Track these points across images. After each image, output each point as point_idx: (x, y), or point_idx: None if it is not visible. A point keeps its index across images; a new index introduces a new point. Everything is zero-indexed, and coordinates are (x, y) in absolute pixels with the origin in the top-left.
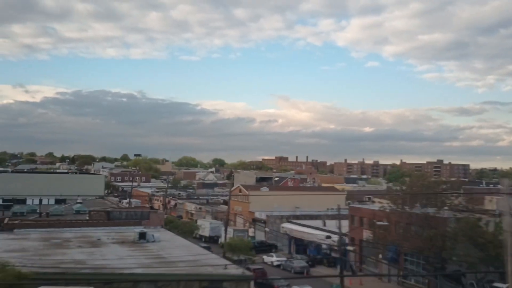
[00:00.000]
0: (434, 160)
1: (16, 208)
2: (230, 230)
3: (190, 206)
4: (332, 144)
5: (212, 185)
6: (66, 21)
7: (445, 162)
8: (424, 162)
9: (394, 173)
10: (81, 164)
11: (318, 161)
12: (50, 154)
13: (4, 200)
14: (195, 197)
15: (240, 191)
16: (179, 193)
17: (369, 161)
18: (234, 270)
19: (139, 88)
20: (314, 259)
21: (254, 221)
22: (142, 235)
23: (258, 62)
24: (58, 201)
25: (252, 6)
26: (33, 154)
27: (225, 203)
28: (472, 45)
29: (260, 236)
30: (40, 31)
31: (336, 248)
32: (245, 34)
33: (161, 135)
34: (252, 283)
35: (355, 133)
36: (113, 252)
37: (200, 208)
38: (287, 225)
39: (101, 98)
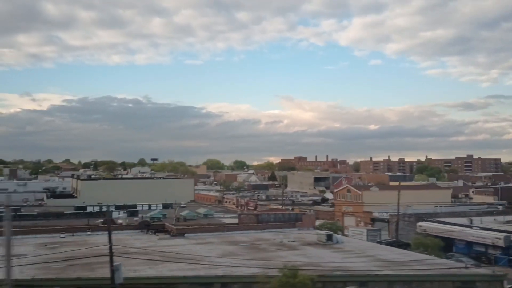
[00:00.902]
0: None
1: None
2: (360, 230)
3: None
4: (337, 143)
5: (262, 187)
6: (71, 29)
7: (475, 157)
8: (453, 157)
9: (428, 169)
10: (108, 169)
11: (338, 159)
12: (67, 161)
13: (118, 207)
14: (273, 198)
15: (348, 191)
16: (258, 195)
17: (377, 158)
18: (484, 270)
19: (144, 93)
20: (477, 258)
21: (374, 220)
22: (329, 237)
23: (262, 64)
24: (165, 206)
25: (254, 8)
26: (50, 162)
27: (315, 203)
28: (475, 39)
29: (383, 236)
30: (45, 40)
31: (498, 245)
32: (248, 37)
33: (167, 139)
34: (505, 282)
35: (361, 131)
36: (317, 254)
37: (292, 209)
38: (426, 224)
39: (107, 104)
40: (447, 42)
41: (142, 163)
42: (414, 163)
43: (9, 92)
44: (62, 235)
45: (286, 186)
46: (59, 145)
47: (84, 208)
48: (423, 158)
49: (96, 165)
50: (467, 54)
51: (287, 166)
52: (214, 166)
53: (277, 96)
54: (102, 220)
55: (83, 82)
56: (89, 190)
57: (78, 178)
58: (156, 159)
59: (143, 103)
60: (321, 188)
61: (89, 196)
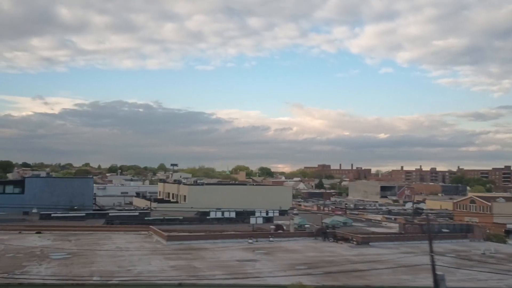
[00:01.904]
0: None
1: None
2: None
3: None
4: (347, 151)
5: (317, 194)
6: (84, 34)
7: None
8: (489, 168)
9: (470, 181)
10: (140, 173)
11: (363, 168)
12: (87, 165)
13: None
14: (360, 207)
15: (472, 201)
16: (346, 204)
17: (389, 167)
18: None
19: (155, 98)
20: None
21: (508, 232)
22: None
23: (272, 71)
24: (281, 213)
25: (267, 15)
26: (70, 165)
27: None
28: (488, 49)
29: None
30: (58, 44)
31: None
32: (259, 43)
33: (176, 144)
34: None
35: (370, 140)
36: None
37: (395, 218)
38: None
39: (118, 109)
40: (459, 51)
41: (162, 168)
42: (447, 173)
43: (22, 95)
44: (250, 240)
45: (347, 194)
46: (69, 149)
47: (207, 213)
48: (430, 167)
49: (122, 169)
50: (479, 64)
51: (321, 174)
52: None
53: (287, 103)
54: (273, 226)
55: (95, 86)
56: (196, 195)
57: (182, 183)
58: (176, 165)
59: (153, 108)
60: (392, 197)
61: (196, 201)
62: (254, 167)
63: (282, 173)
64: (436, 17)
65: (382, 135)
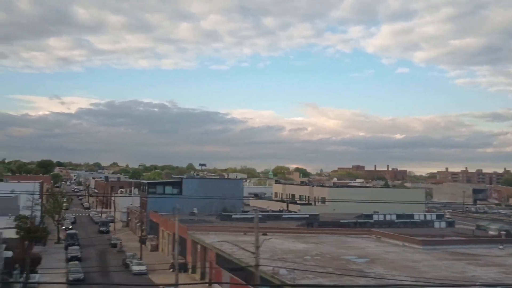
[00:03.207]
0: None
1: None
2: None
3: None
4: (361, 152)
5: None
6: (100, 34)
7: None
8: None
9: None
10: (171, 175)
11: (399, 169)
12: (115, 164)
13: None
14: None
15: None
16: (467, 207)
17: (401, 168)
18: None
19: (170, 98)
20: None
21: None
22: None
23: (287, 71)
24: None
25: (282, 14)
26: (98, 164)
27: None
28: (506, 49)
29: None
30: (75, 44)
31: None
32: (274, 43)
33: (190, 144)
34: None
35: (385, 140)
36: None
37: None
38: None
39: (133, 108)
40: (476, 51)
41: (191, 167)
42: (493, 175)
43: (39, 95)
44: (500, 246)
45: (431, 196)
46: (85, 148)
47: (370, 216)
48: (448, 168)
49: (155, 168)
50: (497, 64)
51: (373, 176)
52: (285, 172)
53: (301, 103)
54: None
55: (110, 86)
56: (337, 197)
57: (316, 185)
58: (204, 164)
59: (168, 107)
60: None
61: (336, 204)
62: (268, 167)
63: (319, 174)
64: (453, 16)
65: (398, 136)
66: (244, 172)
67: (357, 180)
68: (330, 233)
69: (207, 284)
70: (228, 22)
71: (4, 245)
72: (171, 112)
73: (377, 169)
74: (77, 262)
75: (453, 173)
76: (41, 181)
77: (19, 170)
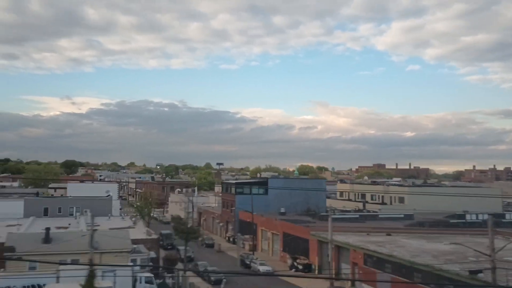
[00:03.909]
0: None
1: None
2: None
3: None
4: (372, 150)
5: None
6: (110, 34)
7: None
8: None
9: None
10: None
11: (421, 167)
12: (132, 164)
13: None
14: None
15: None
16: None
17: (409, 165)
18: None
19: (180, 98)
20: None
21: None
22: None
23: (296, 69)
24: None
25: (291, 13)
26: (116, 164)
27: None
28: None
29: None
30: (86, 45)
31: None
32: (284, 41)
33: (200, 143)
34: None
35: (396, 138)
36: None
37: None
38: None
39: (143, 108)
40: (488, 48)
41: (209, 166)
42: None
43: (50, 95)
44: None
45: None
46: (96, 148)
47: (463, 216)
48: (462, 167)
49: (177, 168)
50: (509, 60)
51: (404, 174)
52: (308, 171)
53: (311, 101)
54: None
55: (121, 86)
56: (418, 196)
57: (393, 184)
58: (221, 163)
59: (178, 107)
60: None
61: (417, 203)
62: (278, 165)
63: (336, 173)
64: (465, 13)
65: (408, 133)
66: (269, 171)
67: (394, 179)
68: (453, 233)
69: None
70: (238, 21)
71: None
72: (181, 112)
73: (399, 167)
74: (205, 262)
75: (481, 171)
76: (117, 182)
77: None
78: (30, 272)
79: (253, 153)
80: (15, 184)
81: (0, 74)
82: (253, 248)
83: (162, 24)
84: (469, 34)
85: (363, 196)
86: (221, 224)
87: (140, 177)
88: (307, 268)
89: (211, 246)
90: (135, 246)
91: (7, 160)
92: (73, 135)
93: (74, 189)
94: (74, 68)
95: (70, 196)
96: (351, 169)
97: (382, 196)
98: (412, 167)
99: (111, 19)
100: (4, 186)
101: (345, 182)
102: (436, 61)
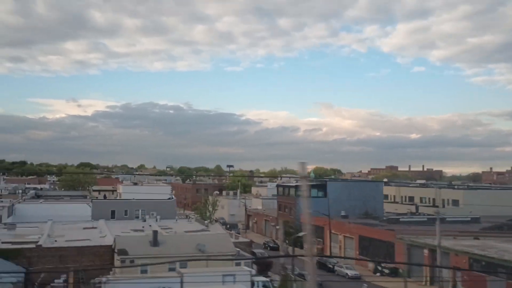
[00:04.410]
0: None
1: None
2: None
3: None
4: (377, 152)
5: None
6: (116, 37)
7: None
8: None
9: None
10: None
11: (434, 169)
12: (142, 166)
13: None
14: None
15: None
16: None
17: (417, 167)
18: None
19: (185, 100)
20: None
21: None
22: None
23: (302, 71)
24: None
25: (297, 15)
26: (126, 167)
27: None
28: None
29: None
30: (91, 47)
31: None
32: (289, 43)
33: (206, 145)
34: None
35: (401, 140)
36: None
37: None
38: None
39: (149, 111)
40: (494, 49)
41: (219, 169)
42: None
43: (56, 98)
44: None
45: None
46: (101, 150)
47: None
48: (469, 169)
49: (190, 170)
50: None
51: (424, 176)
52: (323, 174)
53: (316, 103)
54: None
55: (126, 88)
56: (473, 198)
57: (452, 187)
58: (232, 166)
59: (184, 109)
60: None
61: (473, 206)
62: (273, 168)
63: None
64: (471, 14)
65: (414, 135)
66: (287, 173)
67: (418, 181)
68: None
69: None
70: (243, 24)
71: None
72: (187, 114)
73: (411, 169)
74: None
75: (499, 173)
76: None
77: (60, 173)
78: (158, 275)
79: (259, 155)
80: (45, 186)
81: (6, 77)
82: (321, 252)
83: (168, 26)
84: (475, 36)
85: (411, 198)
86: (277, 227)
87: (165, 179)
88: (394, 272)
89: (275, 249)
90: (238, 249)
91: (23, 163)
92: (79, 137)
93: (129, 191)
94: (79, 71)
95: (134, 199)
96: (361, 171)
97: (433, 199)
98: (425, 169)
99: (117, 22)
100: (36, 188)
101: (389, 185)
102: (441, 63)
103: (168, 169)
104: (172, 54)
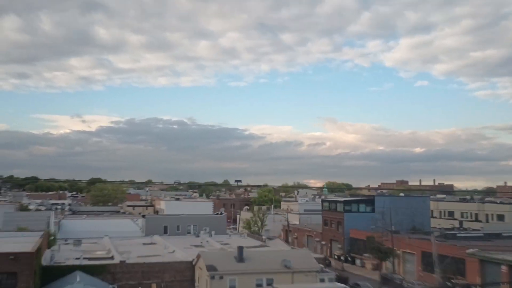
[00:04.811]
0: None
1: None
2: None
3: None
4: (381, 166)
5: None
6: (120, 53)
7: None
8: None
9: None
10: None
11: (445, 183)
12: (150, 181)
13: None
14: None
15: None
16: None
17: (424, 181)
18: None
19: (189, 115)
20: None
21: None
22: None
23: (305, 86)
24: None
25: (300, 30)
26: (133, 182)
27: None
28: None
29: None
30: (96, 63)
31: None
32: (292, 58)
33: (210, 160)
34: None
35: (405, 154)
36: None
37: None
38: None
39: (152, 126)
40: (497, 62)
41: (227, 184)
42: None
43: (60, 113)
44: None
45: None
46: (105, 166)
47: None
48: (474, 183)
49: (200, 186)
50: None
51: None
52: (336, 188)
53: (320, 117)
54: None
55: (130, 104)
56: None
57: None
58: (240, 181)
59: (187, 124)
60: None
61: None
62: (285, 182)
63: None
64: (474, 28)
65: (418, 149)
66: (298, 187)
67: (438, 196)
68: None
69: None
70: (247, 39)
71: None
72: (190, 129)
73: (422, 183)
74: (366, 283)
75: None
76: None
77: (72, 188)
78: None
79: (263, 170)
80: (66, 201)
81: (12, 93)
82: (377, 267)
83: (172, 42)
84: (478, 50)
85: (451, 213)
86: (323, 242)
87: (184, 195)
88: None
89: (328, 265)
90: (321, 265)
91: (36, 178)
92: (83, 153)
93: (172, 207)
94: (84, 87)
95: (183, 214)
96: (369, 185)
97: (476, 214)
98: (436, 183)
99: (122, 38)
100: (62, 204)
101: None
102: (444, 77)
103: (175, 184)
104: (176, 70)
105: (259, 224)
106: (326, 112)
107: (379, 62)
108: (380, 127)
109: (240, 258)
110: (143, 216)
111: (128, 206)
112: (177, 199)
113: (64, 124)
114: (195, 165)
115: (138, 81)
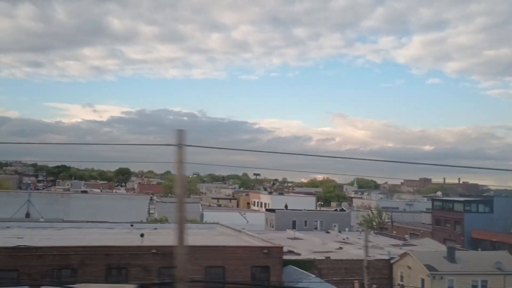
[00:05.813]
0: None
1: None
2: None
3: None
4: (390, 163)
5: None
6: (133, 44)
7: None
8: None
9: None
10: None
11: (470, 182)
12: (168, 173)
13: None
14: None
15: None
16: None
17: (458, 180)
18: None
19: (199, 107)
20: None
21: None
22: None
23: (316, 80)
24: None
25: (312, 25)
26: (151, 172)
27: None
28: None
29: None
30: (108, 54)
31: None
32: (304, 53)
33: (218, 153)
34: None
35: (415, 152)
36: None
37: None
38: None
39: (163, 117)
40: (511, 61)
41: (246, 178)
42: None
43: (72, 103)
44: None
45: None
46: (115, 155)
47: None
48: (485, 181)
49: (224, 178)
50: None
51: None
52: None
53: (330, 113)
54: None
55: (142, 95)
56: None
57: None
58: (258, 174)
59: (198, 116)
60: None
61: None
62: (295, 178)
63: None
64: (488, 26)
65: (428, 147)
66: (327, 183)
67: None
68: None
69: None
70: (259, 33)
71: None
72: (200, 121)
73: (446, 181)
74: None
75: None
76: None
77: (101, 178)
78: None
79: (271, 164)
80: (121, 191)
81: (25, 81)
82: None
83: (184, 34)
84: (492, 48)
85: None
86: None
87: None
88: None
89: None
90: None
91: (67, 167)
92: (94, 142)
93: (277, 201)
94: (96, 77)
95: (312, 209)
96: (387, 182)
97: None
98: (461, 182)
99: (134, 29)
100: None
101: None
102: (457, 75)
103: (194, 176)
104: (187, 62)
105: (377, 220)
106: (336, 107)
107: (391, 59)
108: (390, 123)
109: (451, 258)
110: (267, 210)
111: (213, 198)
112: (280, 194)
113: (75, 113)
114: (203, 158)
115: (149, 72)
